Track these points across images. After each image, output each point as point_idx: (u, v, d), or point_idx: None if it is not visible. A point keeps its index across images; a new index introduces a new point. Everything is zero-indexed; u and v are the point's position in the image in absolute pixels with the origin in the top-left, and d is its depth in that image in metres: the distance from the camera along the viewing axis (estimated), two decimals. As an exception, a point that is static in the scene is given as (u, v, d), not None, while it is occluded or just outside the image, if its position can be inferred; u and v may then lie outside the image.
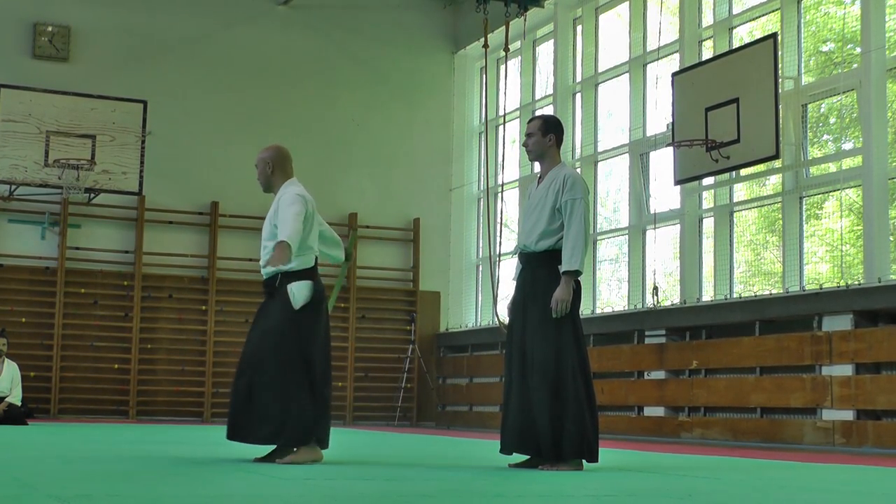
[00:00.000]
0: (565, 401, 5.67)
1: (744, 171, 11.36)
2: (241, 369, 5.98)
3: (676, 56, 12.50)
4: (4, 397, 11.35)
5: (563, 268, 5.78)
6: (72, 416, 13.79)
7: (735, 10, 12.16)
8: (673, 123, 11.59)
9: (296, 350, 5.83)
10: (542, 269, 5.88)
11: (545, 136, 6.03)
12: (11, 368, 11.60)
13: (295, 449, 5.77)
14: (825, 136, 11.23)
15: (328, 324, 6.09)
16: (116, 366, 14.25)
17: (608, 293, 14.05)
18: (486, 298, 15.78)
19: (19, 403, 11.49)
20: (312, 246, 6.02)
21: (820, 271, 10.95)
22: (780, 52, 10.56)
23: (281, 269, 5.90)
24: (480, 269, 16.04)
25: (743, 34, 12.09)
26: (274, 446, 5.86)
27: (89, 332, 14.20)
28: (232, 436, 5.92)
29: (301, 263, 5.92)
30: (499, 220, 14.03)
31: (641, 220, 13.03)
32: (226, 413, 6.12)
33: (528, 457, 5.85)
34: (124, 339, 14.34)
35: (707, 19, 12.36)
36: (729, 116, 10.77)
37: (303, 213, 5.91)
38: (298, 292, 5.87)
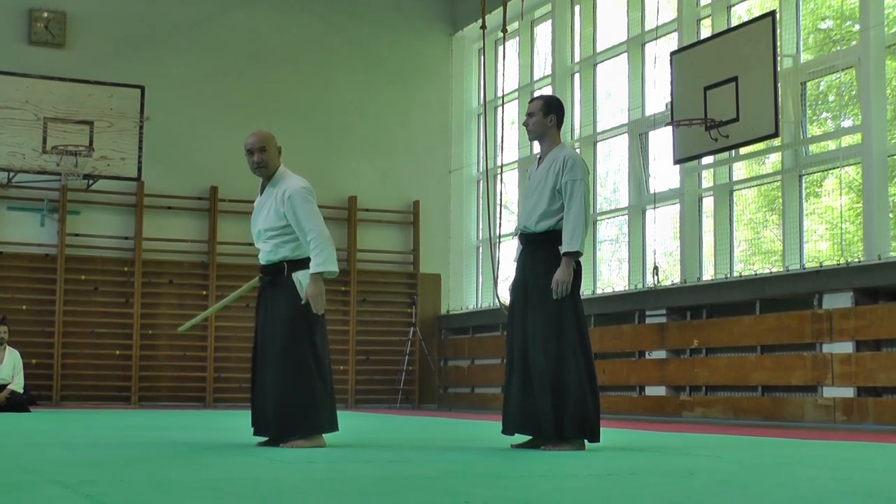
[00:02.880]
0: (567, 381, 5.67)
1: (743, 150, 11.34)
2: (258, 363, 5.90)
3: (675, 35, 12.47)
4: (6, 385, 11.37)
5: (563, 249, 5.77)
6: (74, 403, 13.82)
7: (733, -11, 12.12)
8: (672, 103, 11.57)
9: (307, 339, 5.77)
10: (543, 250, 5.87)
11: (546, 116, 6.00)
12: (13, 356, 11.61)
13: (297, 435, 5.75)
14: (824, 114, 11.20)
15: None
16: (118, 352, 14.27)
17: (608, 273, 14.05)
18: (486, 280, 15.79)
19: (21, 391, 11.51)
20: None
21: (820, 249, 10.95)
22: (778, 30, 10.52)
23: (287, 257, 5.86)
24: (481, 250, 16.05)
25: (741, 12, 12.05)
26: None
27: (90, 319, 14.21)
28: (263, 432, 5.85)
29: (305, 251, 5.87)
30: (498, 201, 14.00)
31: (641, 200, 13.02)
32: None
33: (530, 437, 5.85)
34: (125, 326, 14.35)
35: (705, -2, 12.32)
36: (728, 95, 10.74)
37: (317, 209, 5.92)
38: (306, 281, 5.80)
